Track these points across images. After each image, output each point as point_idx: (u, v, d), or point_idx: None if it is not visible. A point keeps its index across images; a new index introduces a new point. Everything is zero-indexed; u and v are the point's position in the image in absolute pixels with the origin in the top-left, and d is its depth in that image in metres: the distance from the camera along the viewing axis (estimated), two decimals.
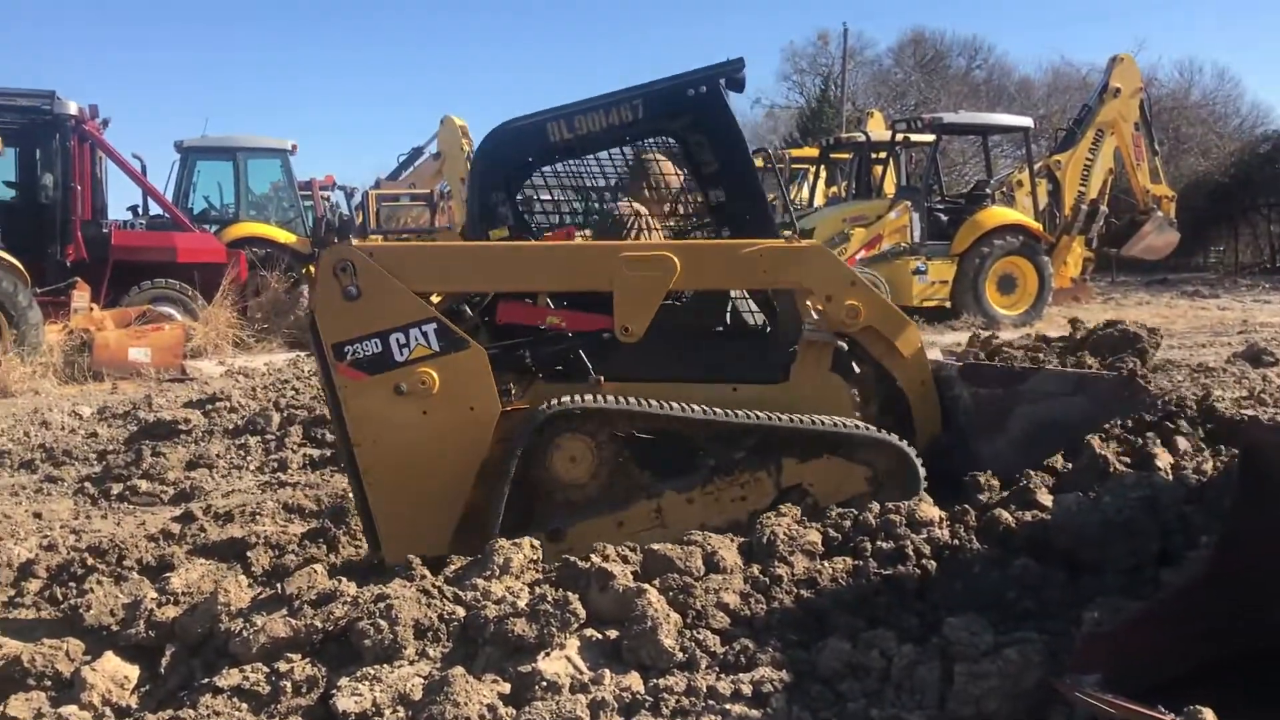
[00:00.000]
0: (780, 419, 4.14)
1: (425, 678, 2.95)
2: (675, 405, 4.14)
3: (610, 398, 4.13)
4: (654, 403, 4.14)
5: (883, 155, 18.68)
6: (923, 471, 4.19)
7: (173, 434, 7.96)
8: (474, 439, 4.14)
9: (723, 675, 2.96)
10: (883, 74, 48.67)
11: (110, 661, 3.15)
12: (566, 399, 4.11)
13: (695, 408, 4.13)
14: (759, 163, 4.94)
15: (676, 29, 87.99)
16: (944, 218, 16.58)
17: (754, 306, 4.75)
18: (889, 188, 18.35)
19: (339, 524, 5.16)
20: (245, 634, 3.07)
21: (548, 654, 3.03)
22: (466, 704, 2.72)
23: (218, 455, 7.45)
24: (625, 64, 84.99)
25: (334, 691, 2.90)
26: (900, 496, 3.95)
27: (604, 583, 3.24)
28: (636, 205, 5.11)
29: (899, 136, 17.62)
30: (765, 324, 4.73)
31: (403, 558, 3.72)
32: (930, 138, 17.10)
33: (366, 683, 2.92)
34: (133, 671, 3.17)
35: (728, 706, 2.80)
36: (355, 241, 4.33)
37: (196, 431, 8.05)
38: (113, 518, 6.44)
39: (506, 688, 2.91)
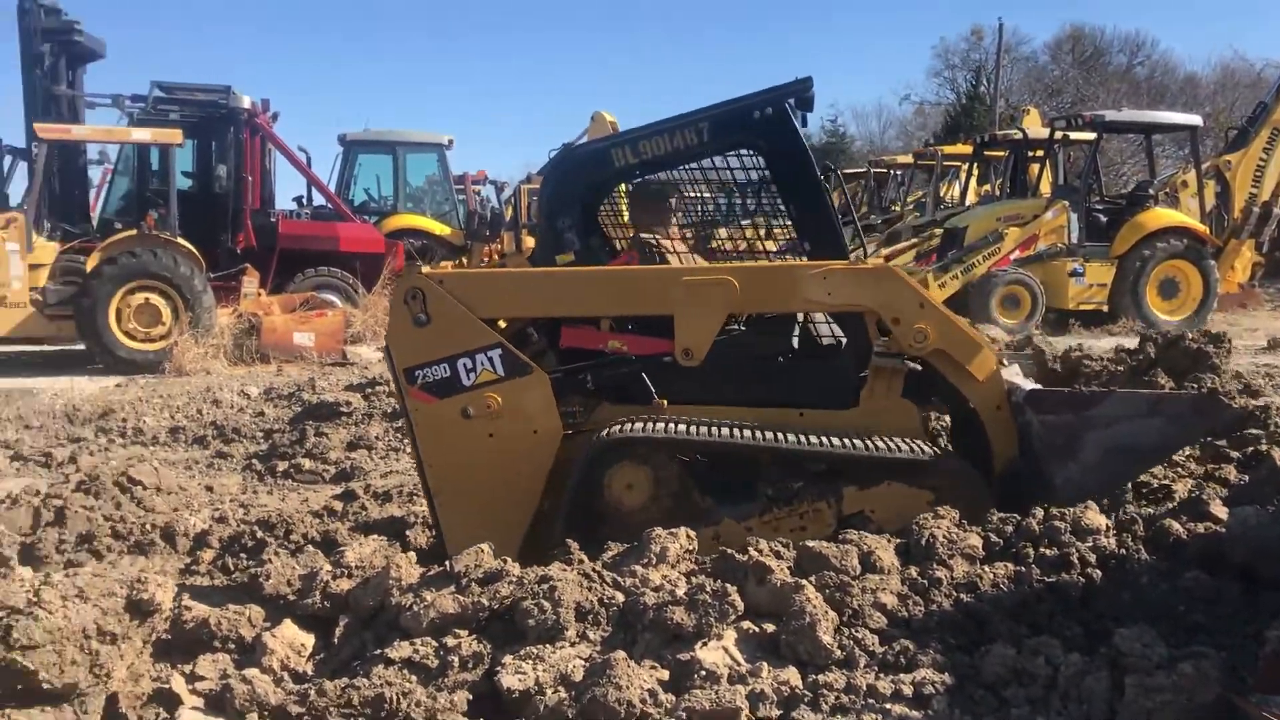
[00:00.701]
0: (838, 444, 4.05)
1: (586, 660, 3.01)
2: (729, 431, 4.10)
3: (665, 425, 4.12)
4: (706, 429, 4.10)
5: (1039, 153, 18.11)
6: (989, 490, 4.08)
7: (334, 415, 8.28)
8: (537, 461, 4.26)
9: (882, 675, 2.94)
10: (1038, 70, 47.27)
11: (289, 629, 3.31)
12: (619, 427, 4.13)
13: (750, 433, 4.08)
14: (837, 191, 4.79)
15: (830, 20, 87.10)
16: (1103, 219, 16.00)
17: (821, 331, 4.65)
18: (1045, 187, 17.82)
19: None
20: (415, 609, 3.18)
21: (705, 644, 3.06)
22: (628, 688, 2.77)
23: (376, 437, 7.72)
24: (772, 60, 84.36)
25: (498, 668, 2.98)
26: (968, 518, 3.84)
27: (762, 576, 3.26)
28: (644, 236, 5.10)
29: (1058, 134, 17.07)
30: (835, 347, 4.61)
31: None
32: (1091, 136, 16.51)
33: (530, 661, 3.00)
34: (309, 640, 3.32)
35: (888, 706, 2.79)
36: (425, 269, 4.46)
37: (356, 414, 8.34)
38: (278, 493, 6.75)
39: (665, 674, 2.95)
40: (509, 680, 2.93)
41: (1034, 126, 20.45)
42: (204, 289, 12.73)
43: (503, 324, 4.46)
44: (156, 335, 12.53)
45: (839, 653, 3.03)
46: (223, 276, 13.66)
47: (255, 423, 8.69)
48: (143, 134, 13.36)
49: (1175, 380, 4.30)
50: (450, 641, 3.08)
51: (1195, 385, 4.19)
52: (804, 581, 3.24)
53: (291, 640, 3.28)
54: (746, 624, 3.17)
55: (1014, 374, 4.59)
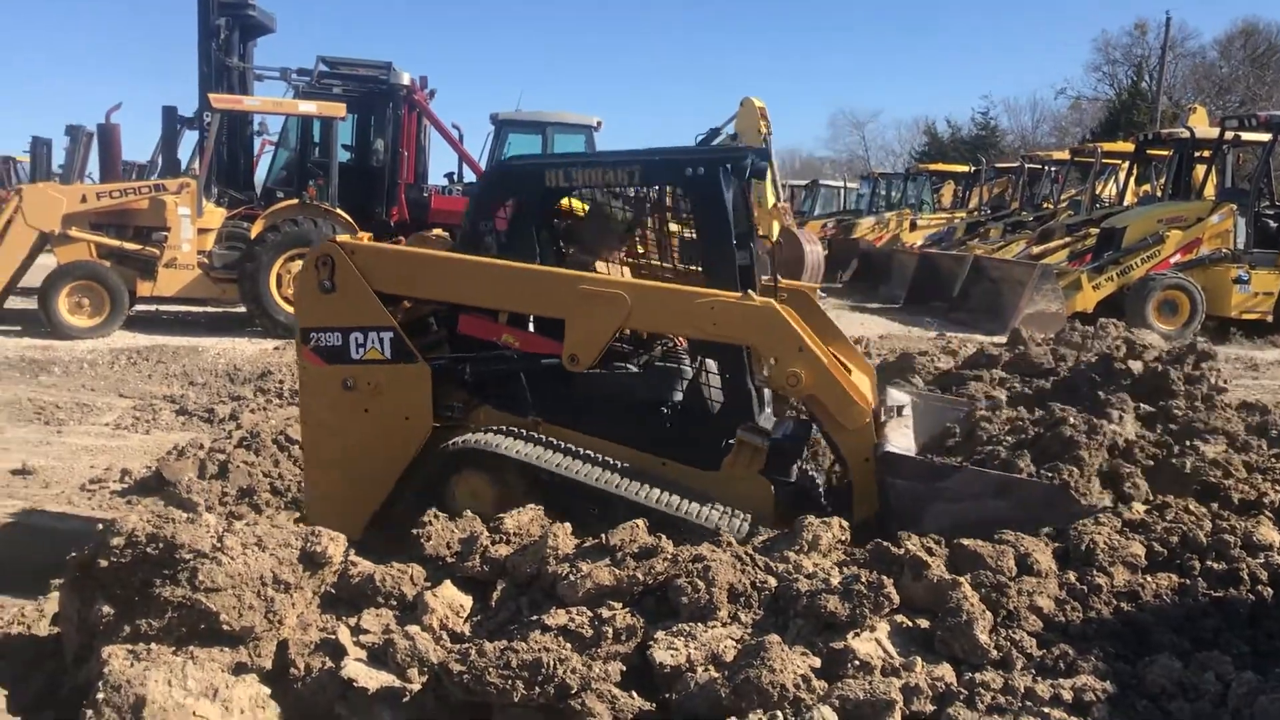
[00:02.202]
0: (647, 497, 4.04)
1: (737, 641, 3.04)
2: (568, 461, 4.14)
3: (514, 442, 4.18)
4: (548, 455, 4.15)
5: (1206, 154, 17.34)
6: None
7: None
8: (402, 447, 4.43)
9: (1040, 678, 2.89)
10: (1205, 67, 45.25)
11: (448, 589, 3.41)
12: (474, 435, 4.23)
13: (585, 471, 4.12)
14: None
15: (986, 10, 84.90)
16: (1273, 224, 15.26)
17: (711, 395, 4.62)
18: (1209, 189, 17.06)
19: None
20: (572, 578, 3.25)
21: (857, 634, 3.05)
22: (782, 671, 2.78)
23: None
24: (927, 51, 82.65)
25: (651, 643, 3.03)
26: None
27: (918, 571, 3.23)
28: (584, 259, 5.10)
29: (1229, 134, 16.30)
30: (718, 410, 4.58)
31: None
32: (1265, 137, 15.73)
33: (681, 638, 3.03)
34: (467, 601, 3.42)
35: (1046, 710, 2.74)
36: (342, 237, 4.58)
37: None
38: None
39: (817, 661, 2.95)
40: (661, 655, 2.97)
41: (1201, 125, 19.60)
42: None
43: (407, 305, 4.59)
44: None
45: (995, 653, 2.99)
46: None
47: None
48: (309, 106, 13.83)
49: (1039, 464, 4.14)
50: (605, 613, 3.13)
51: (1052, 475, 4.03)
52: (961, 579, 3.21)
53: (451, 600, 3.37)
54: (900, 617, 3.15)
55: (897, 429, 4.50)
